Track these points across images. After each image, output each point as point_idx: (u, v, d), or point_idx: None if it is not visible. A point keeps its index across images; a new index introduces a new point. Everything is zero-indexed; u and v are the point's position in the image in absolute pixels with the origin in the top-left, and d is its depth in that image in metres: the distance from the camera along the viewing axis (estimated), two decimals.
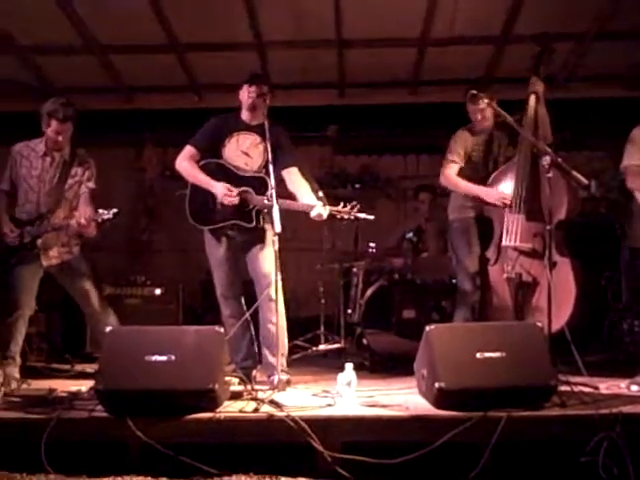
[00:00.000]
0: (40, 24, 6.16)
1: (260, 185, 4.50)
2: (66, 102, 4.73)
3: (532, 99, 4.93)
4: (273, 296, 4.25)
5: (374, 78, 7.11)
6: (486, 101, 4.74)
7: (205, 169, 4.64)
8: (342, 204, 4.55)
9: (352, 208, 4.54)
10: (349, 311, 6.09)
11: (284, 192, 4.54)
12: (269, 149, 4.38)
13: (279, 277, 4.22)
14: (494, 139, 5.16)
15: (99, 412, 3.62)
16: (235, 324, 4.53)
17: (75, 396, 4.00)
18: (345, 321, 6.04)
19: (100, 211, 4.59)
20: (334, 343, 6.03)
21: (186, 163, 4.66)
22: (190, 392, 3.60)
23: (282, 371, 4.31)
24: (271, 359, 4.43)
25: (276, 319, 4.25)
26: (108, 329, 3.94)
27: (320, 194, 4.65)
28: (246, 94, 4.65)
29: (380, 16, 6.10)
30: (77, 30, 6.32)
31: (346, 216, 4.55)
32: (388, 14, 6.09)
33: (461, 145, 5.11)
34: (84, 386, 4.17)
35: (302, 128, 6.86)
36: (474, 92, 4.75)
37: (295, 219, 4.51)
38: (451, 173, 5.10)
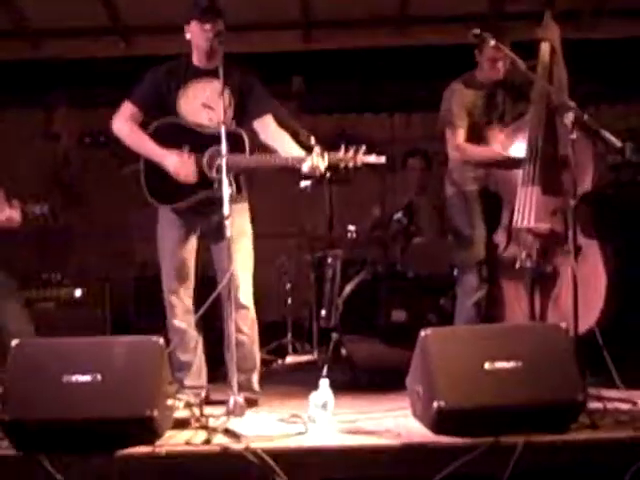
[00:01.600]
0: None
1: (233, 142, 4.29)
2: None
3: (544, 47, 4.95)
4: (242, 299, 4.32)
5: (348, 15, 7.06)
6: (492, 43, 4.72)
7: (159, 132, 4.52)
8: (343, 148, 4.32)
9: (356, 152, 4.30)
10: (323, 313, 6.10)
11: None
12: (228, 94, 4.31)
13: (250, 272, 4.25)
14: (498, 93, 5.21)
15: (4, 449, 3.59)
16: (185, 328, 4.50)
17: None
18: (318, 326, 6.05)
19: (27, 205, 4.56)
20: (305, 354, 6.05)
21: (127, 127, 4.54)
22: (122, 421, 3.57)
23: (252, 390, 4.37)
24: (241, 377, 4.38)
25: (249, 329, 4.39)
26: (14, 342, 3.90)
27: (312, 141, 4.58)
28: (201, 34, 4.47)
29: None
30: None
31: (351, 164, 4.30)
32: None
33: (460, 104, 5.14)
34: None
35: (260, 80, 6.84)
36: (477, 32, 4.73)
37: (255, 199, 4.48)
38: (463, 142, 5.10)
